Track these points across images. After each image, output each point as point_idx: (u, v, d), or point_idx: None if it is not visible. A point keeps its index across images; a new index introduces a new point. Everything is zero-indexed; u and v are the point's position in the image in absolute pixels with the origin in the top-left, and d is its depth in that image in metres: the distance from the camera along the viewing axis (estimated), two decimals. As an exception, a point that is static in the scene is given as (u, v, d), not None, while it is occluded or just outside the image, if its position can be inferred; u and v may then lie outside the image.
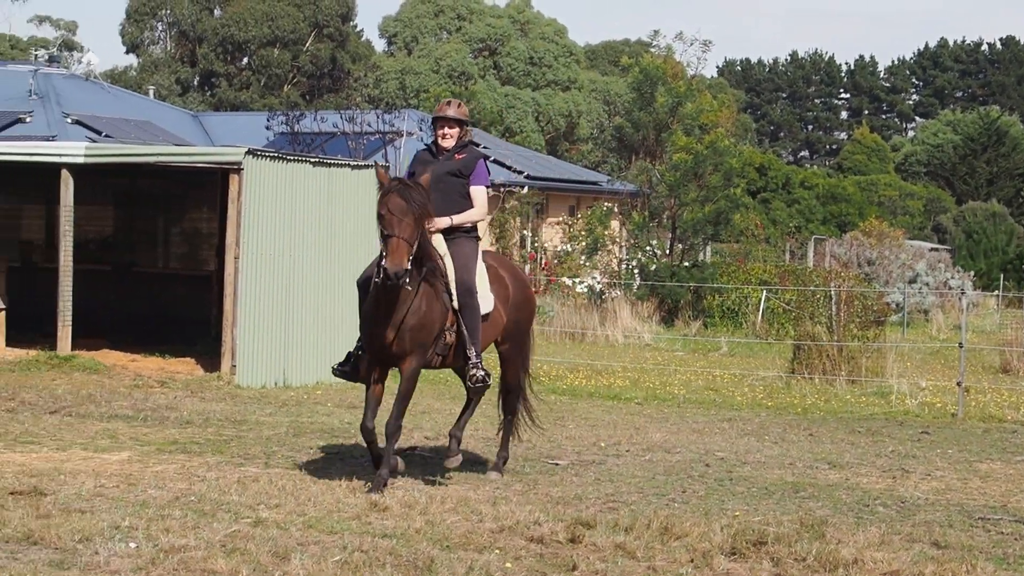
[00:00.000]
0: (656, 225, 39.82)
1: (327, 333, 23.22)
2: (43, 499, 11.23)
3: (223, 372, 22.18)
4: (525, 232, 45.43)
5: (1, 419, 16.40)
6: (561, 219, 44.97)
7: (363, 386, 12.87)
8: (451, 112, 13.29)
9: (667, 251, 39.37)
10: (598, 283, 37.62)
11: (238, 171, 22.00)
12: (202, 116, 55.64)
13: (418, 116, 48.42)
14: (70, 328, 23.27)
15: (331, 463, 14.24)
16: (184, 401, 19.45)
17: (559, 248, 43.49)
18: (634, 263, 39.05)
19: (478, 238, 13.37)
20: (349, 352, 13.04)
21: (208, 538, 9.97)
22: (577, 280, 38.44)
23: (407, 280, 11.93)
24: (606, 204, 42.34)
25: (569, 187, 50.42)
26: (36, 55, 64.70)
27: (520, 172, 46.43)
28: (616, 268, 39.75)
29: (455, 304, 12.81)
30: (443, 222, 12.93)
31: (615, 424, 19.12)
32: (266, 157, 22.81)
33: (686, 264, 38.42)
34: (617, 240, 41.00)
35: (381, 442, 12.72)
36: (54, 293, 23.48)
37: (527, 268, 37.00)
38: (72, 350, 23.15)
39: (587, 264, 39.91)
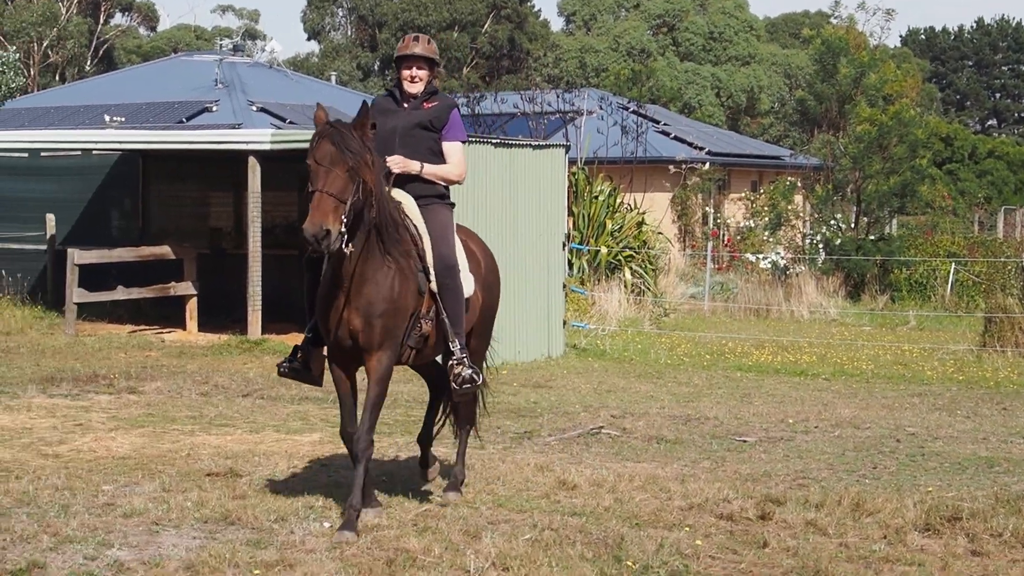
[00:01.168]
0: (840, 199, 39.25)
1: (511, 313, 23.33)
2: (239, 480, 11.46)
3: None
4: (707, 209, 45.10)
5: (196, 402, 16.76)
6: (743, 195, 44.55)
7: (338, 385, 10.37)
8: (419, 49, 10.78)
9: (852, 225, 38.79)
10: (782, 259, 37.19)
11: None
12: (383, 101, 55.92)
13: (598, 95, 48.38)
14: (260, 313, 23.69)
15: (518, 442, 14.31)
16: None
17: (742, 224, 43.11)
18: (818, 237, 38.54)
19: (453, 205, 10.98)
20: (296, 346, 10.62)
21: (400, 517, 10.09)
22: (760, 256, 38.03)
23: (337, 246, 9.41)
24: (789, 179, 41.86)
25: (751, 162, 49.92)
26: (220, 44, 65.86)
27: (701, 148, 46.07)
28: (800, 243, 39.28)
29: (433, 285, 10.37)
30: (413, 166, 10.57)
31: (802, 400, 18.92)
32: (449, 140, 22.93)
33: (872, 237, 37.81)
34: (800, 215, 40.50)
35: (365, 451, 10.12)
36: (243, 279, 23.92)
37: (709, 245, 36.66)
38: (262, 334, 23.58)
39: (770, 239, 39.49)
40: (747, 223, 42.55)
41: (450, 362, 10.50)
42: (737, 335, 27.22)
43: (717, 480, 12.06)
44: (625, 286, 31.10)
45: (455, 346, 10.43)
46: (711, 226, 44.07)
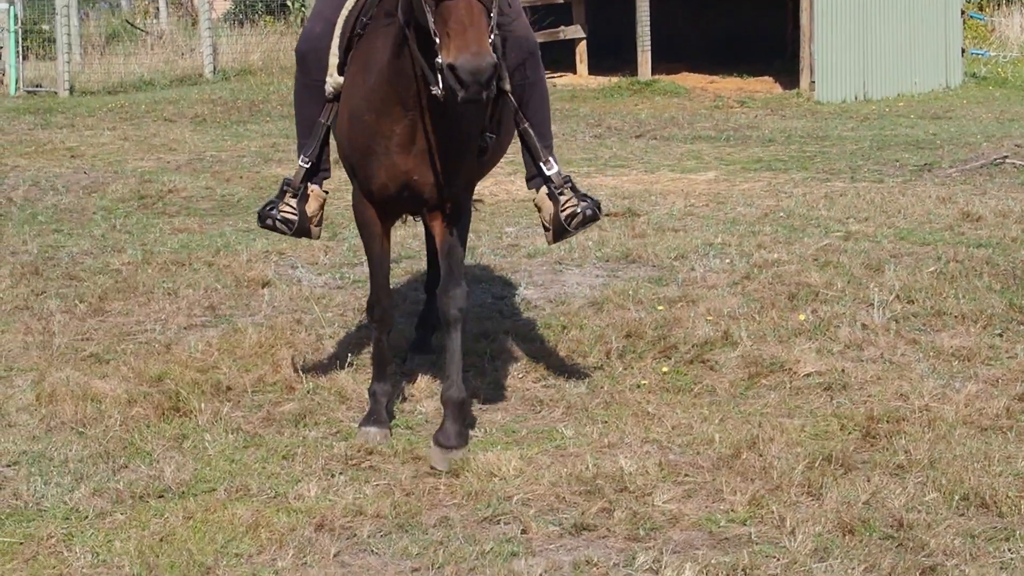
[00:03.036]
0: None
1: (907, 44, 22.61)
2: (637, 219, 11.56)
3: (802, 89, 22.06)
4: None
5: (590, 144, 16.94)
6: None
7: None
8: None
9: None
10: None
11: None
12: None
13: None
14: (649, 53, 23.63)
15: (918, 175, 13.97)
16: (764, 120, 19.50)
17: None
18: None
19: None
20: (284, 183, 7.20)
21: (800, 252, 10.03)
22: None
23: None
24: None
25: None
26: None
27: None
28: None
29: (505, 83, 6.68)
30: None
31: None
32: None
33: None
34: None
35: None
36: (631, 20, 23.84)
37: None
38: (652, 75, 23.55)
39: None
40: None
41: (543, 192, 7.06)
42: None
43: None
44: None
45: (550, 168, 7.03)
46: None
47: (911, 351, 7.75)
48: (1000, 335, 8.00)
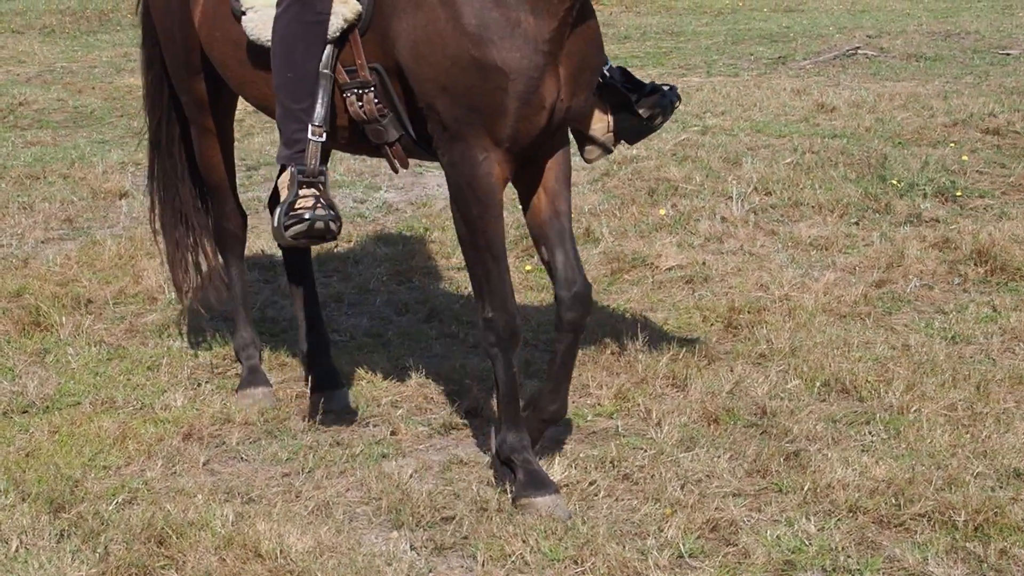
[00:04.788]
0: None
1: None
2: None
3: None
4: None
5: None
6: None
7: None
8: None
9: None
10: None
11: None
12: None
13: None
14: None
15: (772, 68, 14.09)
16: (619, 17, 19.55)
17: None
18: None
19: None
20: (294, 185, 4.98)
21: (659, 148, 10.07)
22: None
23: None
24: None
25: None
26: None
27: None
28: None
29: None
30: None
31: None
32: None
33: None
34: None
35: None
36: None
37: None
38: None
39: None
40: None
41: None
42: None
43: (981, 95, 11.73)
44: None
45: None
46: None
47: (770, 242, 7.86)
48: (856, 223, 8.14)
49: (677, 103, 5.58)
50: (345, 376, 5.94)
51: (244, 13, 5.19)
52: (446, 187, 4.95)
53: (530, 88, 4.69)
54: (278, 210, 4.94)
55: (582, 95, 4.93)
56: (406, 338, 6.56)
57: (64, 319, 6.75)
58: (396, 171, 5.19)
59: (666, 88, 5.48)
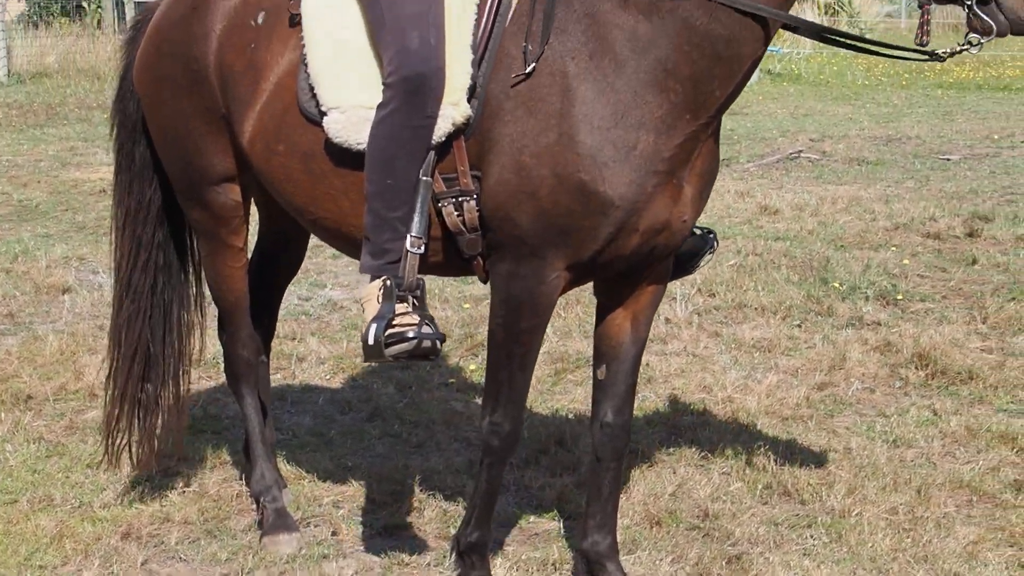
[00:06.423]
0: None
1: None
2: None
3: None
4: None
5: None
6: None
7: None
8: None
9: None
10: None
11: None
12: None
13: None
14: None
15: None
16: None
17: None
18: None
19: None
20: (389, 298, 4.53)
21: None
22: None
23: None
24: None
25: None
26: None
27: None
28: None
29: None
30: None
31: (1007, 116, 18.46)
32: None
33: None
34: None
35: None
36: None
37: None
38: None
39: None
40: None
41: None
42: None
43: (922, 199, 11.88)
44: (818, 7, 30.37)
45: None
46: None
47: (713, 344, 7.90)
48: (799, 326, 8.19)
49: (715, 246, 5.10)
50: (286, 476, 5.91)
51: (326, 114, 4.62)
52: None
53: (631, 215, 4.33)
54: (373, 326, 4.43)
55: (699, 212, 4.59)
56: (348, 437, 6.53)
57: (3, 415, 6.68)
58: (485, 282, 4.71)
59: (707, 232, 5.08)
